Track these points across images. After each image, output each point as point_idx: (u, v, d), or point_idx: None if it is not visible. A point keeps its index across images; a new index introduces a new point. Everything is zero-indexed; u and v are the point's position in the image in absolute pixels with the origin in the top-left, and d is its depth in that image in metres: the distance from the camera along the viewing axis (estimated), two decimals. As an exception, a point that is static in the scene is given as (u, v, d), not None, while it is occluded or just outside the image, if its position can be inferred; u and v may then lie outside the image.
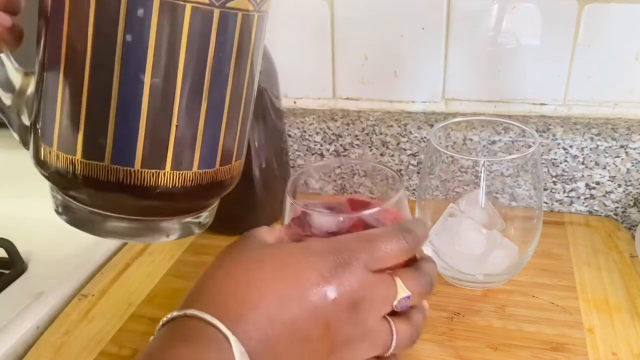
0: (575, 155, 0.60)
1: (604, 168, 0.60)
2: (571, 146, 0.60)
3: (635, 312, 0.48)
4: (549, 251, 0.56)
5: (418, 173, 0.66)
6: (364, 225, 0.35)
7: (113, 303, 0.52)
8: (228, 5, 0.30)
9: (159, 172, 0.32)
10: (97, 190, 0.33)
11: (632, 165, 0.59)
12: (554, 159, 0.61)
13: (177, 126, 0.32)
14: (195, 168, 0.33)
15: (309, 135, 0.68)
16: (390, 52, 0.65)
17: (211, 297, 0.30)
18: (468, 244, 0.49)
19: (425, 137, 0.64)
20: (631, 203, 0.61)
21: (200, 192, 0.35)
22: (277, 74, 0.60)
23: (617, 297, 0.49)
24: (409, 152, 0.65)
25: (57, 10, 0.30)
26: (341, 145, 0.67)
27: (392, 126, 0.65)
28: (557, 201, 0.64)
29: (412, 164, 0.66)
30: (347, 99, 0.69)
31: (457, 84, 0.65)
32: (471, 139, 0.63)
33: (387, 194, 0.41)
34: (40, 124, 0.33)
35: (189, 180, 0.33)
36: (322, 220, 0.36)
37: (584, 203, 0.63)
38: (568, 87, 0.62)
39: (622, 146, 0.59)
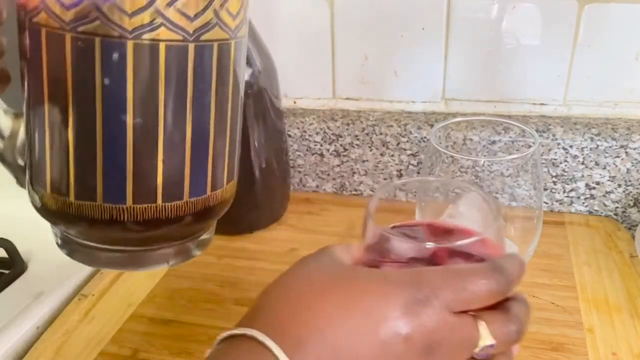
0: (575, 155, 0.60)
1: (604, 168, 0.60)
2: (571, 146, 0.60)
3: (635, 312, 0.48)
4: (549, 251, 0.56)
5: (418, 173, 0.66)
6: (449, 255, 0.32)
7: (113, 303, 0.52)
8: (202, 38, 0.31)
9: (150, 206, 0.33)
10: (92, 227, 0.34)
11: (632, 165, 0.59)
12: (554, 159, 0.61)
13: (163, 161, 0.32)
14: (186, 198, 0.34)
15: (309, 135, 0.68)
16: (390, 52, 0.65)
17: (274, 317, 0.27)
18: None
19: (425, 137, 0.64)
20: (631, 203, 0.61)
21: (194, 219, 0.36)
22: (277, 74, 0.60)
23: (617, 297, 0.49)
24: (409, 152, 0.65)
25: (35, 54, 0.31)
26: (341, 145, 0.67)
27: (392, 126, 0.65)
28: (557, 201, 0.64)
29: (412, 164, 0.66)
30: (347, 99, 0.69)
31: (457, 84, 0.65)
32: (471, 139, 0.63)
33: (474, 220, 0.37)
34: (32, 167, 0.34)
35: (182, 210, 0.34)
36: (405, 247, 0.32)
37: (584, 203, 0.63)
38: (568, 87, 0.62)
39: (622, 146, 0.59)
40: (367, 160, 0.67)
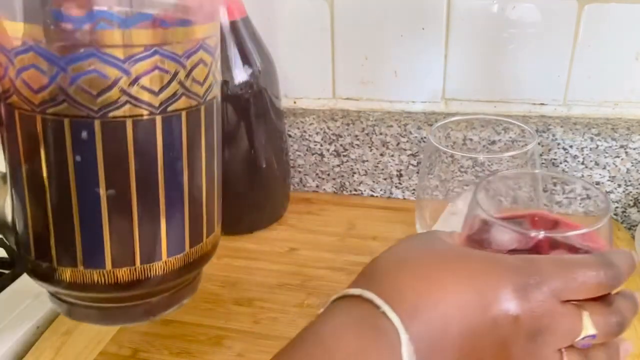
0: (575, 155, 0.60)
1: (604, 168, 0.60)
2: (571, 146, 0.60)
3: (635, 312, 0.48)
4: (549, 251, 0.56)
5: (418, 173, 0.66)
6: (553, 246, 0.32)
7: (113, 303, 0.52)
8: (169, 109, 0.32)
9: (130, 269, 0.35)
10: (76, 290, 0.35)
11: (632, 165, 0.59)
12: (554, 159, 0.61)
13: (139, 226, 0.34)
14: (164, 257, 0.36)
15: (309, 135, 0.68)
16: (390, 52, 0.65)
17: (391, 283, 0.27)
18: None
19: (425, 137, 0.64)
20: (631, 203, 0.61)
21: (175, 275, 0.37)
22: (277, 74, 0.60)
23: (617, 297, 0.49)
24: (409, 152, 0.65)
25: (10, 130, 0.32)
26: (341, 145, 0.67)
27: (392, 126, 0.65)
28: (556, 203, 0.64)
29: (412, 164, 0.66)
30: (347, 99, 0.69)
31: (457, 84, 0.65)
32: (471, 139, 0.63)
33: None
34: (17, 234, 0.36)
35: (161, 269, 0.36)
36: (508, 236, 0.32)
37: (580, 204, 0.63)
38: (568, 87, 0.62)
39: (622, 146, 0.59)
40: (367, 160, 0.67)
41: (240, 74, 0.55)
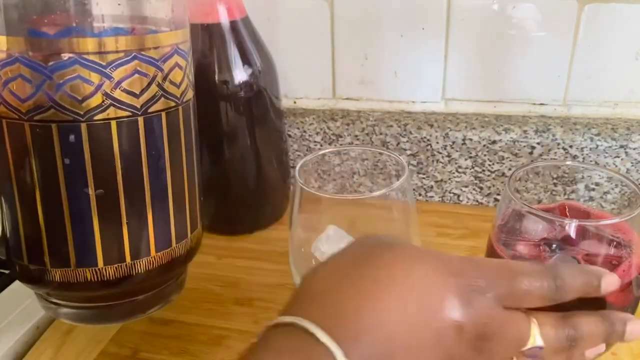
0: (575, 155, 0.60)
1: (604, 168, 0.60)
2: (571, 146, 0.60)
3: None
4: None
5: (418, 173, 0.66)
6: (583, 237, 0.32)
7: (113, 303, 0.52)
8: (150, 110, 0.34)
9: (121, 265, 0.36)
10: (69, 290, 0.37)
11: (632, 166, 0.59)
12: (553, 159, 0.61)
13: (128, 223, 0.36)
14: (153, 253, 0.38)
15: (309, 135, 0.68)
16: (390, 52, 0.65)
17: (331, 305, 0.25)
18: None
19: (425, 137, 0.64)
20: (631, 203, 0.61)
21: (163, 270, 0.39)
22: (277, 74, 0.60)
23: (617, 297, 0.49)
24: (409, 152, 0.65)
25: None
26: (341, 145, 0.67)
27: (392, 126, 0.65)
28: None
29: (412, 164, 0.66)
30: (347, 99, 0.69)
31: (457, 84, 0.65)
32: (471, 139, 0.63)
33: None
34: (9, 240, 0.37)
35: (150, 264, 0.38)
36: (540, 225, 0.32)
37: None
38: (568, 87, 0.62)
39: (621, 146, 0.59)
40: (367, 159, 0.67)
41: (240, 74, 0.55)
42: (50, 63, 0.31)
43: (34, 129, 0.32)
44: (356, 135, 0.66)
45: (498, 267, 0.28)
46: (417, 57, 0.64)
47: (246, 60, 0.55)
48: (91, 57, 0.31)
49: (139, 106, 0.33)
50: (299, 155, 0.69)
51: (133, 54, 0.32)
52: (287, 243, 0.47)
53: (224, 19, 0.53)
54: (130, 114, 0.33)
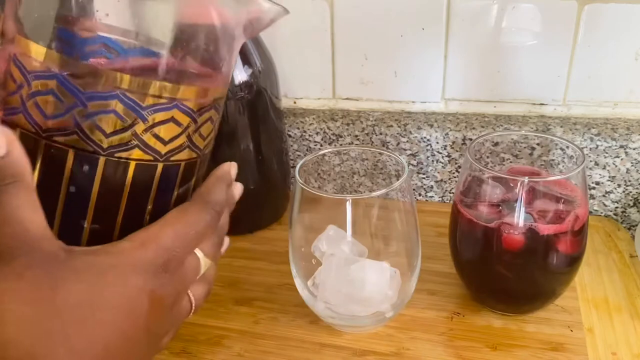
0: (573, 156, 0.60)
1: (604, 168, 0.60)
2: (568, 147, 0.60)
3: (634, 312, 0.48)
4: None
5: (418, 173, 0.66)
6: (536, 197, 0.41)
7: (113, 303, 0.52)
8: (172, 159, 0.32)
9: None
10: None
11: (632, 165, 0.59)
12: (552, 160, 0.61)
13: None
14: None
15: (309, 135, 0.68)
16: (390, 52, 0.65)
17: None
18: (377, 284, 0.44)
19: (425, 137, 0.64)
20: (631, 203, 0.61)
21: None
22: (277, 74, 0.60)
23: (617, 297, 0.50)
24: (408, 152, 0.65)
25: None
26: (341, 145, 0.67)
27: (392, 126, 0.65)
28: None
29: (412, 164, 0.66)
30: (347, 99, 0.69)
31: (457, 84, 0.65)
32: (471, 139, 0.63)
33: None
34: None
35: None
36: (497, 189, 0.40)
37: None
38: (568, 87, 0.62)
39: (621, 146, 0.59)
40: (367, 159, 0.67)
41: (240, 74, 0.55)
42: (89, 90, 0.29)
43: (49, 148, 0.30)
44: (356, 135, 0.66)
45: (173, 234, 0.30)
46: (417, 57, 0.64)
47: (246, 60, 0.55)
48: (133, 96, 0.30)
49: (163, 152, 0.31)
50: (299, 155, 0.69)
51: (175, 103, 0.31)
52: (287, 243, 0.48)
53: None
54: (152, 158, 0.31)
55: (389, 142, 0.66)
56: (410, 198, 0.45)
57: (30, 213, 0.27)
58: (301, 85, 0.69)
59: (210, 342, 0.47)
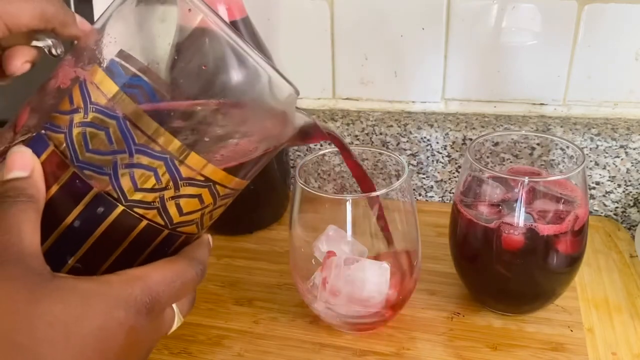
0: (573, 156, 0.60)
1: (604, 168, 0.60)
2: (569, 147, 0.60)
3: (635, 312, 0.48)
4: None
5: (418, 173, 0.66)
6: (536, 197, 0.41)
7: (113, 303, 0.52)
8: (179, 230, 0.32)
9: None
10: None
11: (632, 165, 0.59)
12: (552, 160, 0.61)
13: None
14: None
15: (309, 135, 0.68)
16: (390, 52, 0.65)
17: None
18: (377, 284, 0.44)
19: (425, 137, 0.64)
20: (631, 203, 0.61)
21: None
22: (277, 74, 0.60)
23: (617, 297, 0.50)
24: (408, 152, 0.65)
25: (33, 150, 0.31)
26: (341, 145, 0.67)
27: (392, 126, 0.65)
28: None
29: (412, 164, 0.66)
30: (347, 99, 0.69)
31: (457, 84, 0.65)
32: (471, 139, 0.63)
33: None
34: None
35: None
36: (497, 189, 0.39)
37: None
38: (568, 87, 0.62)
39: (622, 146, 0.59)
40: (367, 159, 0.67)
41: (241, 74, 0.55)
42: (142, 144, 0.29)
43: (75, 179, 0.29)
44: (356, 135, 0.66)
45: (162, 280, 0.30)
46: (417, 57, 0.64)
47: (246, 60, 0.55)
48: (179, 166, 0.30)
49: (175, 222, 0.31)
50: (299, 155, 0.69)
51: (210, 184, 0.31)
52: (287, 243, 0.48)
53: (223, 19, 0.53)
54: (163, 223, 0.31)
55: (389, 142, 0.66)
56: (410, 198, 0.45)
57: (30, 232, 0.27)
58: (301, 85, 0.69)
59: (210, 342, 0.47)
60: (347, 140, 0.67)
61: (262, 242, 0.60)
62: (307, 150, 0.69)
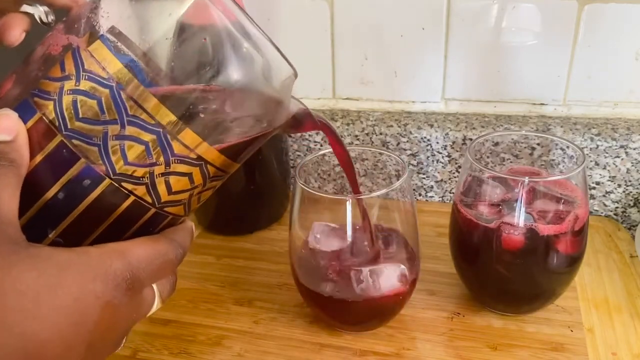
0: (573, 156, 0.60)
1: (604, 168, 0.60)
2: (569, 147, 0.60)
3: (635, 312, 0.48)
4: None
5: (418, 173, 0.66)
6: (536, 197, 0.41)
7: (113, 303, 0.52)
8: (165, 209, 0.31)
9: None
10: None
11: (632, 165, 0.59)
12: (552, 160, 0.61)
13: None
14: None
15: (309, 135, 0.68)
16: (390, 52, 0.65)
17: None
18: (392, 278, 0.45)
19: (425, 137, 0.64)
20: (631, 203, 0.61)
21: None
22: (277, 74, 0.60)
23: (617, 297, 0.50)
24: (408, 152, 0.65)
25: (21, 117, 0.30)
26: (341, 145, 0.67)
27: (392, 126, 0.65)
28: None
29: (412, 164, 0.66)
30: (347, 99, 0.69)
31: (457, 84, 0.65)
32: (471, 139, 0.63)
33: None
34: None
35: None
36: (497, 189, 0.39)
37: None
38: (568, 87, 0.62)
39: (622, 146, 0.59)
40: (367, 159, 0.67)
41: (240, 74, 0.55)
42: (134, 114, 0.28)
43: (62, 148, 0.28)
44: (356, 135, 0.66)
45: (146, 258, 0.29)
46: (417, 57, 0.64)
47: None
48: (172, 140, 0.29)
49: (162, 200, 0.30)
50: (299, 155, 0.69)
51: (202, 162, 0.30)
52: (287, 243, 0.48)
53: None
54: (150, 201, 0.30)
55: (389, 142, 0.66)
56: (410, 198, 0.45)
57: (8, 198, 0.26)
58: (301, 85, 0.69)
59: (210, 343, 0.47)
60: (347, 140, 0.67)
61: (262, 242, 0.60)
62: (307, 150, 0.69)
